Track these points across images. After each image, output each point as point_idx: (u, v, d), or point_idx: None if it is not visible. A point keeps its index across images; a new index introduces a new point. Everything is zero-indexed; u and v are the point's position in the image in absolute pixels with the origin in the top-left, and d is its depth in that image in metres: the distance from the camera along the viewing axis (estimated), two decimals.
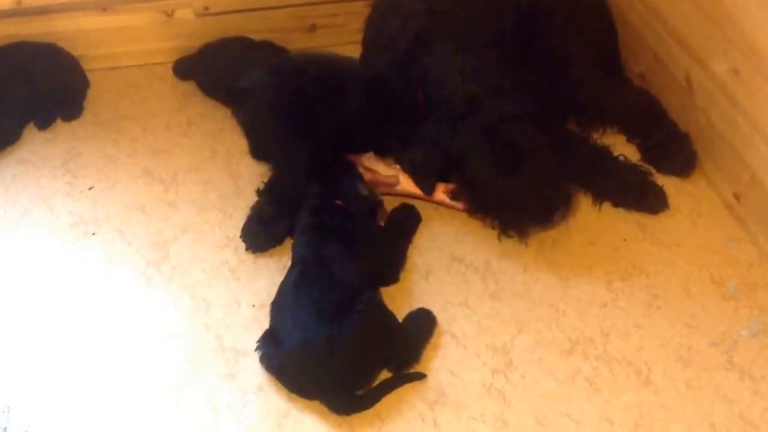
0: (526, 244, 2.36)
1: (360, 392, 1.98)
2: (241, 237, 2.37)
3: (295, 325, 1.97)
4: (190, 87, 2.91)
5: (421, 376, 2.05)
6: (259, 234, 2.36)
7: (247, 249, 2.35)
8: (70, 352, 2.11)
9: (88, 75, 2.91)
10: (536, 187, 2.28)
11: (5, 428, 1.94)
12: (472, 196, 2.38)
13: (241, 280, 2.28)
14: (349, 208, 2.25)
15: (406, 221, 2.42)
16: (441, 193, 2.43)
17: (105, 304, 2.23)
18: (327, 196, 2.27)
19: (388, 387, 2.01)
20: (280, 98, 2.44)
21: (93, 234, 2.41)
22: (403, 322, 2.12)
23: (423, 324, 2.15)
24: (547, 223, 2.36)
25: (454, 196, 2.42)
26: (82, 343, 2.13)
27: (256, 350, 2.04)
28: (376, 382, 2.01)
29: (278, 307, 2.08)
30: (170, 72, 2.96)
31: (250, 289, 2.25)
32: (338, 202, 2.25)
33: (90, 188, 2.55)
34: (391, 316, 2.09)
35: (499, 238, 2.37)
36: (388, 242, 2.31)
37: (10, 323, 2.18)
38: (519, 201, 2.30)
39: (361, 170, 2.40)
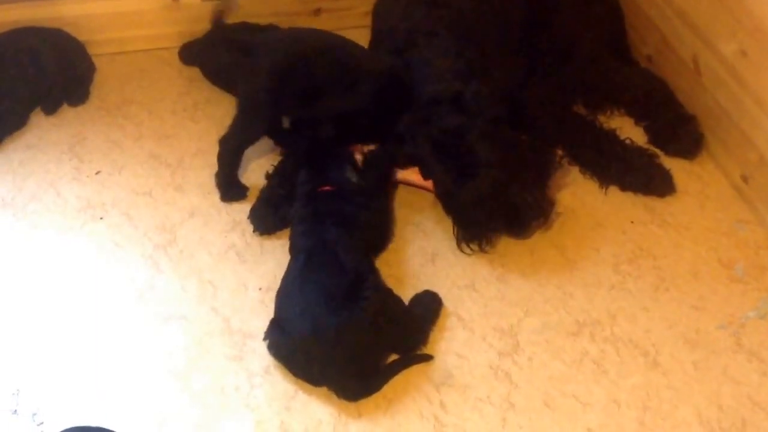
0: (487, 252, 2.31)
1: (367, 377, 1.99)
2: (248, 219, 2.37)
3: (303, 313, 1.97)
4: (196, 71, 2.91)
5: (427, 358, 2.05)
6: (267, 217, 2.36)
7: (254, 231, 2.35)
8: (79, 335, 2.11)
9: (94, 60, 2.91)
10: (490, 199, 2.22)
11: (15, 410, 1.95)
12: (441, 200, 2.37)
13: (248, 263, 2.29)
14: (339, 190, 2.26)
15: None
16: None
17: (112, 287, 2.23)
18: (315, 181, 2.28)
19: (395, 369, 2.01)
20: (282, 65, 2.39)
21: (100, 218, 2.41)
22: (408, 304, 2.12)
23: (429, 306, 2.15)
24: (517, 233, 2.30)
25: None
26: (90, 326, 2.14)
27: (264, 339, 2.04)
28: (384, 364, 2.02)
29: (284, 296, 2.08)
30: (176, 57, 2.96)
31: (256, 272, 2.25)
32: (327, 187, 2.26)
33: (97, 173, 2.55)
34: (397, 300, 2.09)
35: (459, 247, 2.33)
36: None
37: (19, 307, 2.18)
38: (476, 212, 2.25)
39: (358, 156, 2.40)
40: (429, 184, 2.38)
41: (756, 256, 2.32)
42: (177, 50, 2.96)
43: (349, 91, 2.40)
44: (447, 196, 2.32)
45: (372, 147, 2.44)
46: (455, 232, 2.32)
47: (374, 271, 2.13)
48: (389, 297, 2.07)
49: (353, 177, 2.31)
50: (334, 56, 2.42)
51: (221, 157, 2.46)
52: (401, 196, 2.48)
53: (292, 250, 2.20)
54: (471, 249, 2.30)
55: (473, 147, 2.19)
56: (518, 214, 2.25)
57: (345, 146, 2.42)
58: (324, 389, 1.98)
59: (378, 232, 2.30)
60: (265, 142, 2.58)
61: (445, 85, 2.25)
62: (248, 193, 2.47)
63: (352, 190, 2.27)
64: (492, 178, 2.19)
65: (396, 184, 2.47)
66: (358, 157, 2.39)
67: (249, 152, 2.54)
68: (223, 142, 2.45)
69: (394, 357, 2.03)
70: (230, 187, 2.47)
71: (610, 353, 2.09)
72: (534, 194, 2.28)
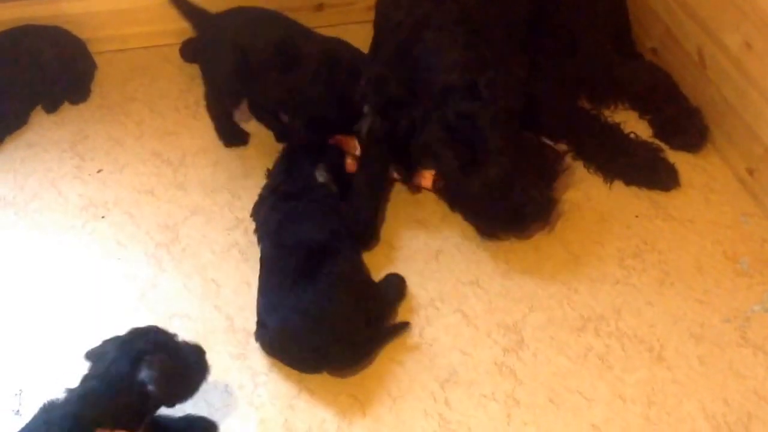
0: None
1: (355, 345, 2.00)
2: (251, 216, 2.36)
3: (270, 309, 2.01)
4: (197, 68, 2.87)
5: (405, 326, 2.09)
6: None
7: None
8: (81, 334, 2.11)
9: (95, 58, 2.89)
10: (496, 189, 2.21)
11: (17, 410, 1.94)
12: (446, 192, 2.36)
13: (251, 261, 2.27)
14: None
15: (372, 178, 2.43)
16: (429, 181, 2.40)
17: (115, 286, 2.23)
18: (281, 178, 2.32)
19: (381, 337, 2.05)
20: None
21: (102, 217, 2.41)
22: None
23: (395, 286, 2.18)
24: (518, 230, 2.30)
25: (435, 187, 2.40)
26: (92, 325, 2.13)
27: (256, 341, 2.06)
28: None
29: (259, 298, 2.10)
30: (177, 53, 2.94)
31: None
32: (284, 186, 2.29)
33: (99, 171, 2.55)
34: (363, 271, 2.14)
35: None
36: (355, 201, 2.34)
37: (21, 307, 2.18)
38: (481, 202, 2.24)
39: (349, 161, 2.40)
40: (427, 182, 2.38)
41: (761, 249, 2.31)
42: (178, 47, 2.95)
43: (288, 72, 2.42)
44: (453, 184, 2.31)
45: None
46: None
47: (340, 246, 2.13)
48: (354, 268, 2.10)
49: (321, 177, 2.31)
50: (274, 37, 2.46)
51: (209, 110, 2.62)
52: (404, 194, 2.47)
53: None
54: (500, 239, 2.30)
55: (484, 133, 2.18)
56: (521, 211, 2.23)
57: (330, 147, 2.42)
58: (327, 387, 1.99)
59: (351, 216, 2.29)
60: (266, 142, 2.58)
61: (459, 75, 2.24)
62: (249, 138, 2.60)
63: (308, 187, 2.28)
64: (501, 166, 2.18)
65: (392, 181, 2.47)
66: (349, 161, 2.39)
67: (250, 151, 2.54)
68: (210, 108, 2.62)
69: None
70: (230, 133, 2.58)
71: (614, 348, 2.08)
72: (538, 192, 2.26)
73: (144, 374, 1.69)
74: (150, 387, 1.69)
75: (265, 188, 2.35)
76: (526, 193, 2.22)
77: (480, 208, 2.26)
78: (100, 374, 1.72)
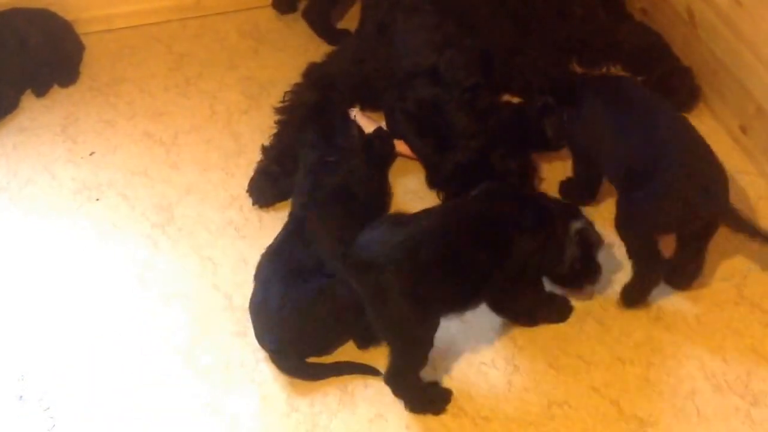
0: None
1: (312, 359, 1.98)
2: (247, 191, 2.36)
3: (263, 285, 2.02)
4: (186, 47, 2.88)
5: (374, 372, 1.97)
6: (266, 189, 2.35)
7: (253, 204, 2.35)
8: (81, 317, 2.12)
9: (82, 39, 2.87)
10: (468, 168, 2.20)
11: (21, 396, 1.95)
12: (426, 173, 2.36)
13: (247, 238, 2.28)
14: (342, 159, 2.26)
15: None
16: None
17: (113, 268, 2.23)
18: (322, 149, 2.28)
19: (338, 371, 1.98)
20: None
21: (97, 199, 2.41)
22: None
23: None
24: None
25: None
26: (91, 308, 2.14)
27: None
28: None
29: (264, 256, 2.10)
30: (166, 32, 2.93)
31: (256, 247, 2.23)
32: (331, 158, 2.25)
33: (91, 153, 2.54)
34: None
35: None
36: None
37: (20, 293, 2.18)
38: (455, 182, 2.23)
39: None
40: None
41: (756, 207, 2.30)
42: (165, 26, 2.93)
43: None
44: (429, 168, 2.31)
45: (356, 111, 2.48)
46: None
47: None
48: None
49: (354, 130, 2.33)
50: None
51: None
52: (399, 165, 2.46)
53: (290, 215, 2.21)
54: None
55: (449, 118, 2.17)
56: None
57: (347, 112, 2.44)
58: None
59: (375, 202, 2.29)
60: (258, 119, 2.58)
61: (421, 58, 2.23)
62: None
63: (356, 162, 2.26)
64: (470, 149, 2.18)
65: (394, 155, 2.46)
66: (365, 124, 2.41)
67: (243, 128, 2.56)
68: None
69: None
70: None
71: (612, 311, 2.08)
72: (516, 160, 2.25)
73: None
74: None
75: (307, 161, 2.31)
76: (503, 163, 2.22)
77: (456, 189, 2.25)
78: None
